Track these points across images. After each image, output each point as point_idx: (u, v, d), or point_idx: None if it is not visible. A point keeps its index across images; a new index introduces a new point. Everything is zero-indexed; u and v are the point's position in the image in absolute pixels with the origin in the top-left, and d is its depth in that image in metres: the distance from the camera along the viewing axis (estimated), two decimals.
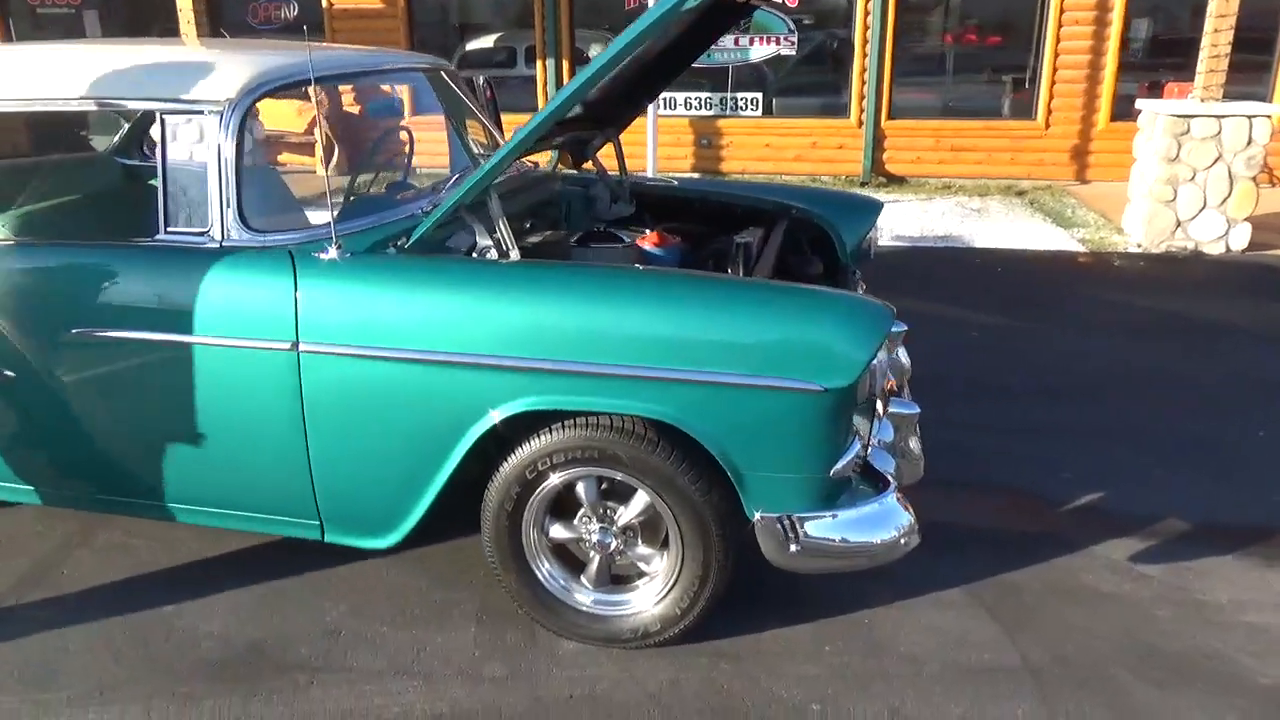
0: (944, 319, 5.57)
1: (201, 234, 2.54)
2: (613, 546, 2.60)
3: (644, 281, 2.42)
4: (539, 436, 2.48)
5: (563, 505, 2.63)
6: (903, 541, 2.46)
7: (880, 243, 7.14)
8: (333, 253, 2.52)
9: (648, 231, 3.27)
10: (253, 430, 2.56)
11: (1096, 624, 2.75)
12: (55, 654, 2.65)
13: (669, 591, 2.56)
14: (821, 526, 2.40)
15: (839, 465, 2.38)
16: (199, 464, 2.66)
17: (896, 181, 9.88)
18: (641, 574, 2.65)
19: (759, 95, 10.16)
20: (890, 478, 2.55)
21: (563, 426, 2.45)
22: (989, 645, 2.67)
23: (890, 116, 9.84)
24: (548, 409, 2.41)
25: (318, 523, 2.69)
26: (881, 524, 2.46)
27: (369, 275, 2.48)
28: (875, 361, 2.35)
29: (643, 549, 2.61)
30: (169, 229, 2.56)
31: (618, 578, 2.70)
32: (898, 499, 2.51)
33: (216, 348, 2.50)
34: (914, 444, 2.85)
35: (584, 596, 2.66)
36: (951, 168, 9.82)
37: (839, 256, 3.60)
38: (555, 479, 2.53)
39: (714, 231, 3.63)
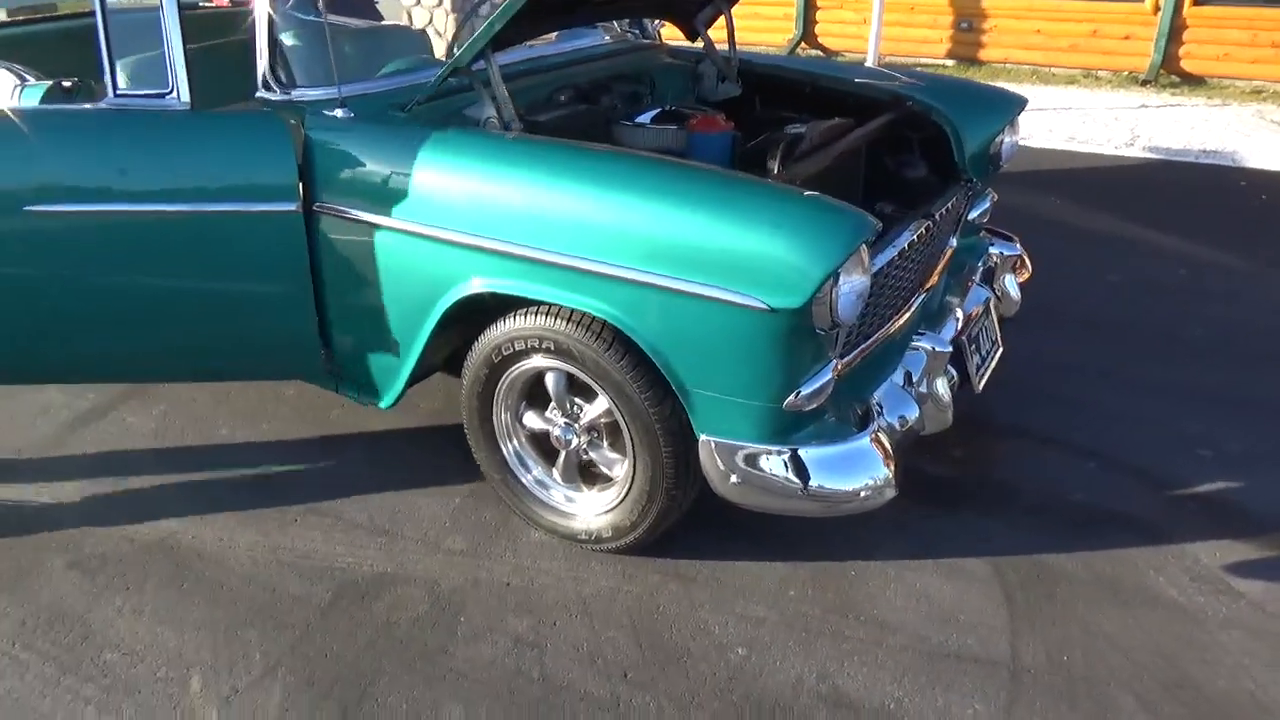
0: (1152, 251, 4.68)
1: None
2: (574, 444, 2.49)
3: (602, 167, 2.19)
4: (504, 321, 2.40)
5: (544, 394, 2.55)
6: (864, 495, 2.15)
7: (1131, 152, 6.15)
8: (338, 113, 2.52)
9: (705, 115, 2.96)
10: (260, 293, 2.62)
11: (1129, 635, 2.28)
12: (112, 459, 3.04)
13: (622, 500, 2.43)
14: (770, 461, 2.14)
15: (795, 396, 2.10)
16: (214, 329, 2.68)
17: (1192, 82, 8.29)
18: (608, 477, 2.54)
19: None
20: (877, 419, 2.22)
21: (524, 314, 2.35)
22: (979, 630, 2.30)
23: (1196, 1, 8.18)
24: (502, 293, 2.31)
25: (332, 378, 2.80)
26: (843, 470, 2.15)
27: (362, 139, 2.46)
28: (847, 284, 2.00)
29: (608, 452, 2.48)
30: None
31: (598, 477, 2.60)
32: (875, 446, 2.18)
33: (224, 214, 2.53)
34: (941, 387, 2.44)
35: (548, 488, 2.60)
36: (1268, 69, 8.06)
37: (955, 161, 3.08)
38: (523, 366, 2.45)
39: (781, 119, 3.25)
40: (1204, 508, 2.75)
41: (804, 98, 3.39)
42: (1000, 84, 8.82)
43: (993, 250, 3.10)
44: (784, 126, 2.85)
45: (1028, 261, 3.37)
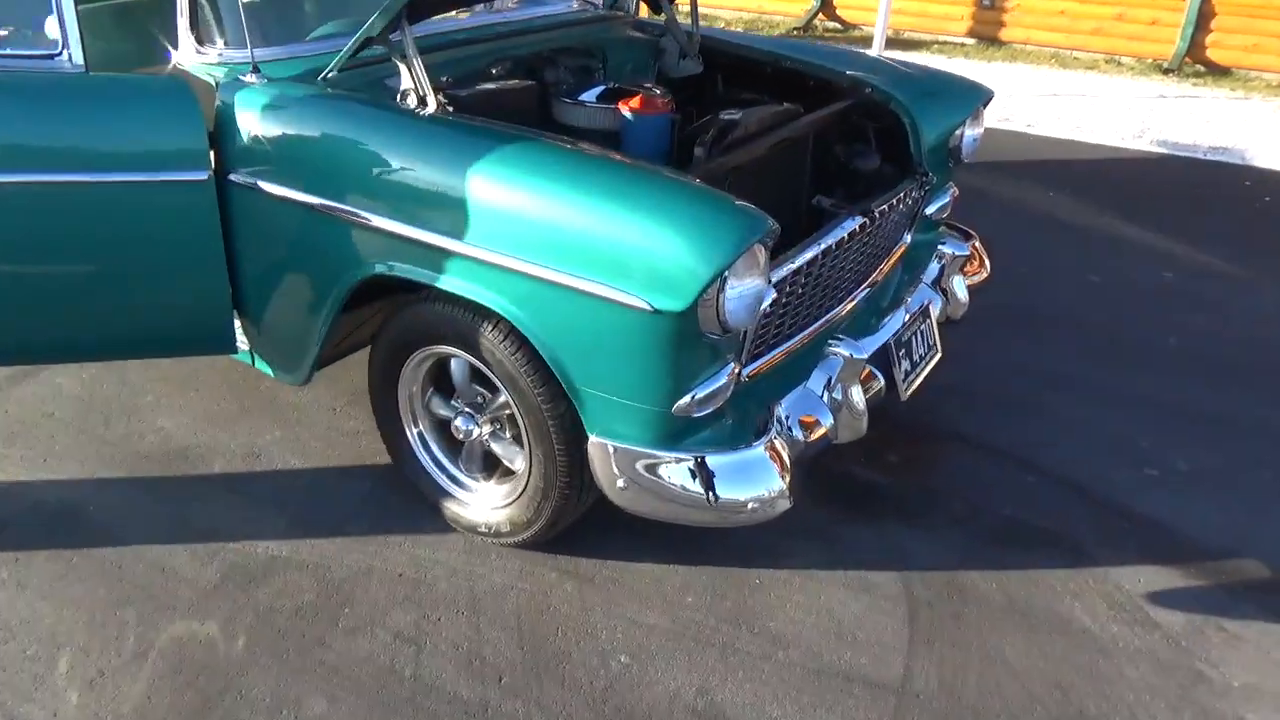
0: (1141, 251, 4.51)
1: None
2: (475, 434, 2.42)
3: (496, 151, 2.08)
4: (408, 305, 2.32)
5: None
6: (752, 507, 2.06)
7: (1137, 145, 5.92)
8: (250, 79, 2.43)
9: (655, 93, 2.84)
10: (171, 266, 2.50)
11: (1030, 663, 2.18)
12: (19, 425, 3.00)
13: (519, 495, 2.36)
14: (656, 466, 2.05)
15: (684, 401, 2.00)
16: (123, 306, 2.53)
17: (1217, 73, 7.98)
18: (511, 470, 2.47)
19: None
20: (774, 428, 2.12)
21: (424, 299, 2.27)
22: (875, 649, 2.22)
23: None
24: (399, 276, 2.22)
25: (248, 351, 2.74)
26: (734, 480, 2.06)
27: (271, 107, 2.36)
28: (738, 288, 1.89)
29: (511, 445, 2.40)
30: None
31: (503, 469, 2.53)
32: (770, 456, 2.09)
33: (131, 184, 2.38)
34: (856, 395, 2.33)
35: (451, 477, 2.53)
36: None
37: (911, 153, 2.94)
38: (427, 351, 2.37)
39: (740, 100, 3.12)
40: (1137, 530, 2.63)
41: (766, 78, 3.26)
42: (1018, 66, 8.64)
43: (943, 249, 2.96)
44: (730, 110, 2.72)
45: (985, 260, 3.23)
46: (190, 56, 2.57)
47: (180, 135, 2.35)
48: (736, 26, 9.97)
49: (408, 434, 2.54)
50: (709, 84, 3.42)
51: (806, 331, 2.47)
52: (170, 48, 2.62)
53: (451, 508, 2.52)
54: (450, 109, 2.39)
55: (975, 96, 3.04)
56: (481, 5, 2.99)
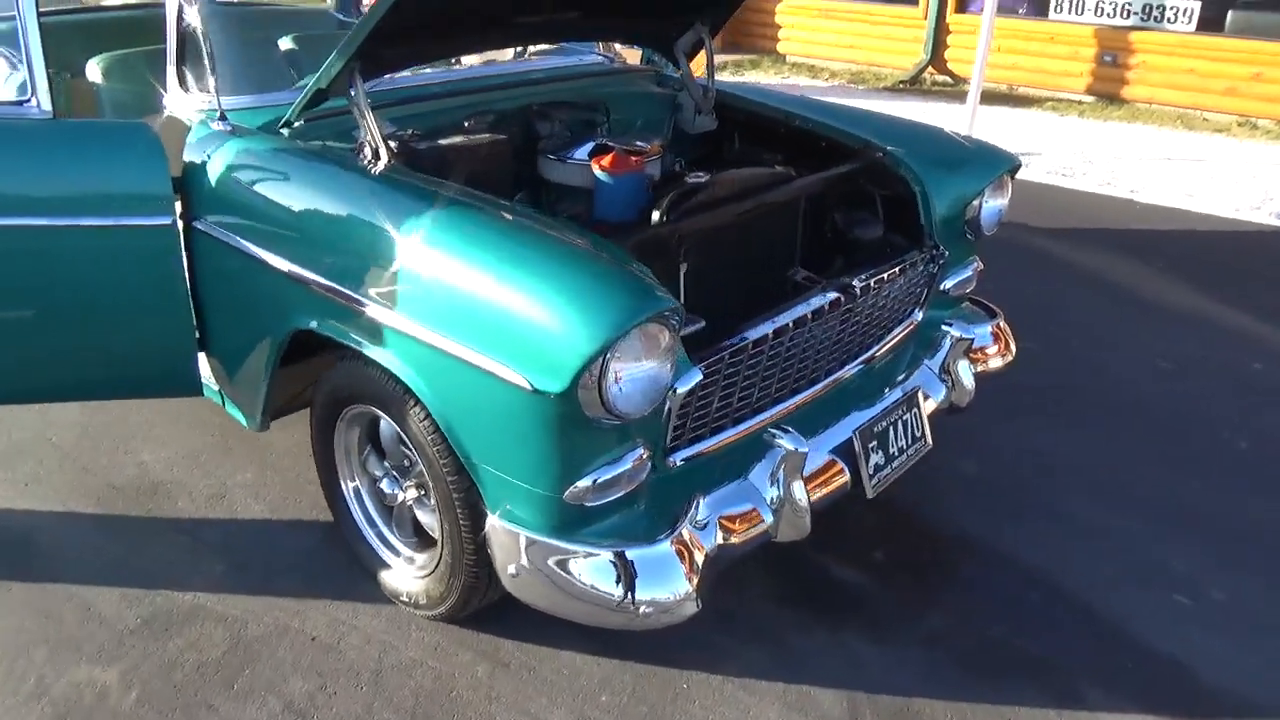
0: (1225, 335, 4.03)
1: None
2: (401, 498, 2.31)
3: (407, 211, 1.98)
4: (338, 362, 2.25)
5: None
6: (645, 610, 1.86)
7: (1255, 217, 5.40)
8: (217, 125, 2.44)
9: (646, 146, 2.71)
10: (137, 310, 2.48)
11: None
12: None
13: (435, 568, 2.23)
14: (545, 555, 1.89)
15: (578, 487, 1.84)
16: (89, 348, 2.51)
17: None
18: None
19: (1195, 5, 7.91)
20: (684, 522, 1.92)
21: (349, 356, 2.20)
22: None
23: None
24: (322, 334, 2.16)
25: (218, 392, 2.74)
26: (631, 579, 1.87)
27: (230, 155, 2.36)
28: (626, 370, 1.72)
29: (434, 513, 2.28)
30: None
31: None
32: (677, 554, 1.89)
33: (98, 228, 2.38)
34: (799, 491, 2.10)
35: (383, 537, 2.43)
36: None
37: (921, 223, 2.70)
38: (354, 409, 2.30)
39: (754, 159, 2.96)
40: (1145, 668, 2.27)
41: (780, 138, 3.09)
42: (1138, 126, 8.05)
43: (949, 329, 2.69)
44: (698, 173, 2.56)
45: (1010, 342, 2.92)
46: (175, 101, 2.63)
47: (144, 181, 2.37)
48: (843, 78, 9.76)
49: (343, 490, 2.47)
50: (726, 141, 3.28)
51: (768, 414, 2.26)
52: (164, 92, 2.69)
53: (380, 570, 2.42)
54: (405, 162, 2.35)
55: (998, 165, 2.77)
56: (475, 58, 2.95)
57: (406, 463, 2.30)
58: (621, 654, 2.26)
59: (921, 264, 2.66)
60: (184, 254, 2.44)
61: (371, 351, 2.03)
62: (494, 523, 1.95)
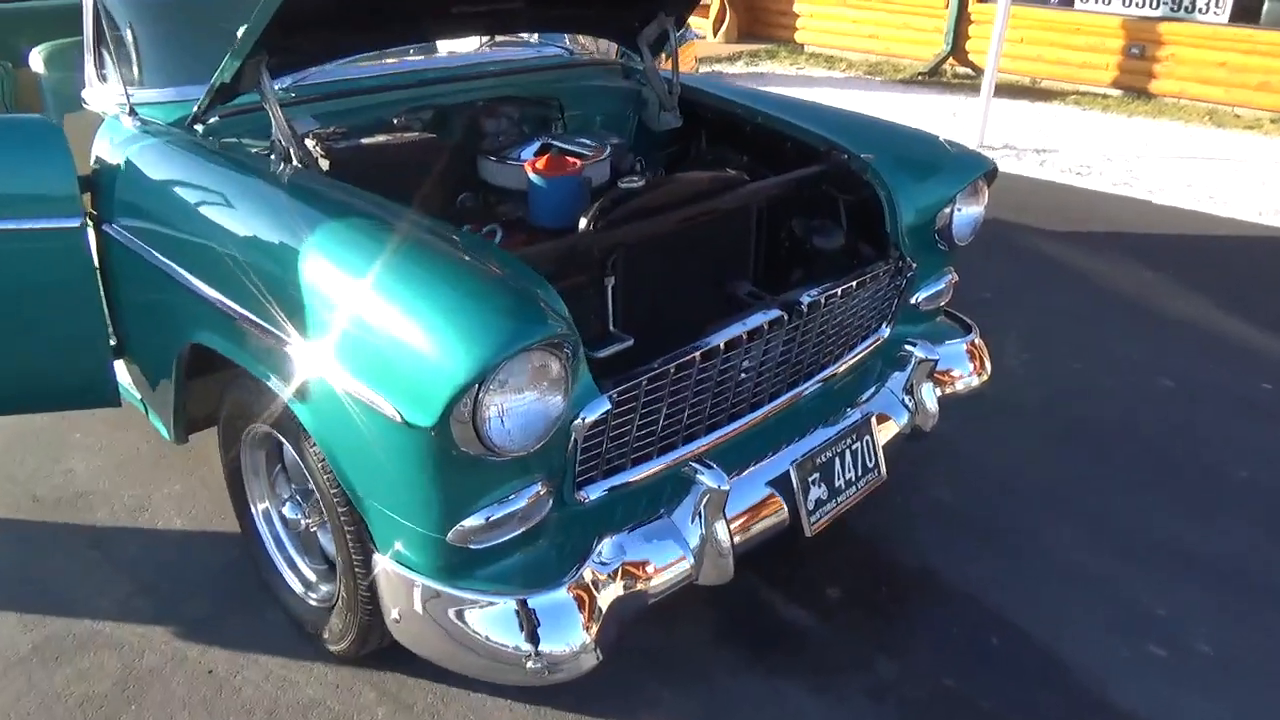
0: (1234, 353, 3.76)
1: None
2: (304, 524, 2.16)
3: (296, 221, 1.81)
4: (235, 378, 2.10)
5: None
6: (533, 665, 1.68)
7: (1275, 221, 5.11)
8: (126, 123, 2.30)
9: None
10: (48, 315, 2.32)
11: None
12: None
13: (336, 601, 2.08)
14: (433, 601, 1.72)
15: (463, 527, 1.67)
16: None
17: None
18: None
19: None
20: (585, 565, 1.75)
21: (240, 375, 2.04)
22: None
23: None
24: (211, 348, 2.01)
25: (140, 399, 2.60)
26: (521, 628, 1.70)
27: (134, 155, 2.21)
28: (508, 402, 1.54)
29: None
30: None
31: None
32: (575, 602, 1.72)
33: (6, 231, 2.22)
34: (720, 531, 1.91)
35: (290, 562, 2.28)
36: None
37: (885, 230, 2.49)
38: (253, 428, 2.15)
39: (719, 159, 2.79)
40: None
41: (746, 136, 2.89)
42: (1163, 123, 7.69)
43: (912, 349, 2.47)
44: (632, 178, 2.37)
45: (985, 360, 2.70)
46: (92, 94, 2.49)
47: (47, 181, 2.22)
48: (860, 69, 9.47)
49: (253, 511, 2.32)
50: (694, 140, 3.09)
51: (702, 443, 2.07)
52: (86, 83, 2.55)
53: (286, 598, 2.27)
54: (326, 163, 2.20)
55: (971, 169, 2.55)
56: (414, 49, 2.77)
57: (310, 486, 2.15)
58: (534, 698, 2.10)
59: (886, 276, 2.46)
60: (94, 258, 2.30)
61: (257, 372, 1.88)
62: (380, 563, 1.78)
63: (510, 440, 1.57)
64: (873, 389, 2.46)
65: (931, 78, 9.09)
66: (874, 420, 2.30)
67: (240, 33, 2.01)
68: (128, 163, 2.20)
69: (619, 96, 3.08)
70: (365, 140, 2.32)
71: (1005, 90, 8.26)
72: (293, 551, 2.28)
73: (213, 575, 2.45)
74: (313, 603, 2.20)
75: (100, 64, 2.46)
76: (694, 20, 11.24)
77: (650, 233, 2.13)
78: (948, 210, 2.51)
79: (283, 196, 1.94)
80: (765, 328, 2.07)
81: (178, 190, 2.07)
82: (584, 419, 1.75)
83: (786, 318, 2.12)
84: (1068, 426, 3.22)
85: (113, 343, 2.44)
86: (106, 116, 2.38)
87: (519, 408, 1.56)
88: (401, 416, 1.54)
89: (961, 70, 9.16)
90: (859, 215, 2.56)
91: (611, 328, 2.13)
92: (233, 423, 2.20)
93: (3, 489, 2.77)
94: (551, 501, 1.77)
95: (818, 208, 2.60)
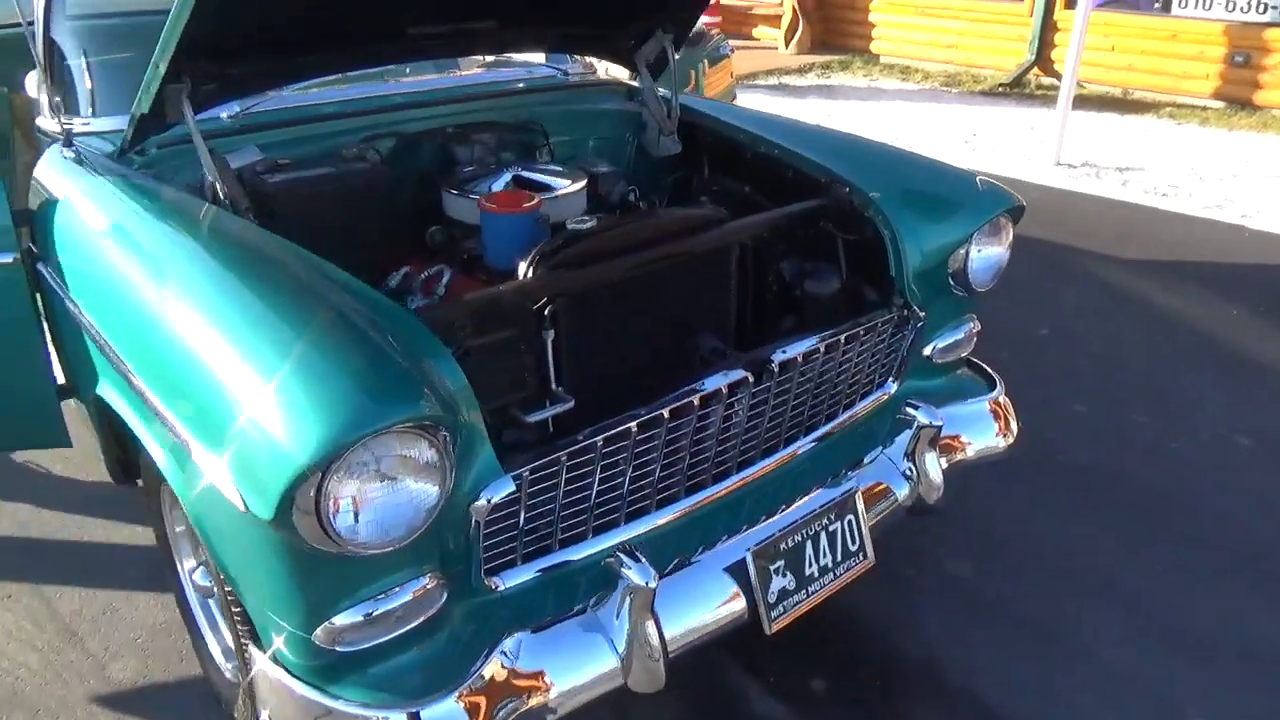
0: None
1: None
2: (216, 594, 1.98)
3: (187, 270, 1.63)
4: None
5: None
6: None
7: None
8: (64, 153, 2.17)
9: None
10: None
11: None
12: None
13: (244, 682, 1.89)
14: (302, 706, 1.51)
15: (336, 625, 1.46)
16: None
17: None
18: None
19: None
20: (477, 669, 1.51)
21: None
22: None
23: None
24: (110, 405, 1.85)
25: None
26: None
27: (66, 189, 2.07)
28: (362, 492, 1.32)
29: None
30: None
31: None
32: (466, 711, 1.48)
33: None
34: (650, 632, 1.64)
35: (214, 625, 2.11)
36: None
37: (890, 274, 2.19)
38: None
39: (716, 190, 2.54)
40: None
41: (747, 164, 2.62)
42: (1270, 137, 7.01)
43: (914, 412, 2.15)
44: (583, 218, 2.12)
45: (1010, 420, 2.37)
46: (43, 121, 2.39)
47: None
48: (937, 80, 9.02)
49: (178, 568, 2.16)
50: (698, 167, 2.83)
51: (648, 521, 1.82)
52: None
53: (207, 664, 2.10)
54: (254, 201, 2.02)
55: (990, 206, 2.22)
56: (379, 71, 2.58)
57: None
58: None
59: (887, 327, 2.16)
60: (33, 294, 2.19)
61: (138, 431, 1.70)
62: (257, 658, 1.58)
63: (367, 537, 1.35)
64: (875, 452, 2.17)
65: (1013, 89, 8.58)
66: (859, 496, 2.00)
67: (154, 54, 1.85)
68: (52, 197, 2.07)
69: (615, 120, 2.84)
70: (302, 173, 2.13)
71: (1092, 102, 7.73)
72: (218, 614, 2.11)
73: (150, 633, 2.30)
74: (228, 675, 2.02)
75: (52, 89, 2.35)
76: (765, 31, 10.96)
77: (596, 280, 1.89)
78: (963, 252, 2.20)
79: (180, 240, 1.76)
80: (724, 391, 1.81)
81: (83, 229, 1.93)
82: (487, 500, 1.52)
83: (752, 379, 1.84)
84: (1120, 493, 2.83)
85: (61, 382, 2.33)
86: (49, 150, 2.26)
87: (378, 499, 1.34)
88: (244, 503, 1.34)
89: (1046, 81, 8.62)
90: (862, 256, 2.26)
91: (555, 385, 1.90)
92: (150, 477, 2.04)
93: None
94: (446, 595, 1.55)
95: (815, 247, 2.32)
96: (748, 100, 8.13)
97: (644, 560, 1.63)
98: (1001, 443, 2.35)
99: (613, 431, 1.66)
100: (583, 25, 2.62)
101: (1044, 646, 2.26)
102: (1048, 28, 8.52)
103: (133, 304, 1.67)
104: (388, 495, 1.34)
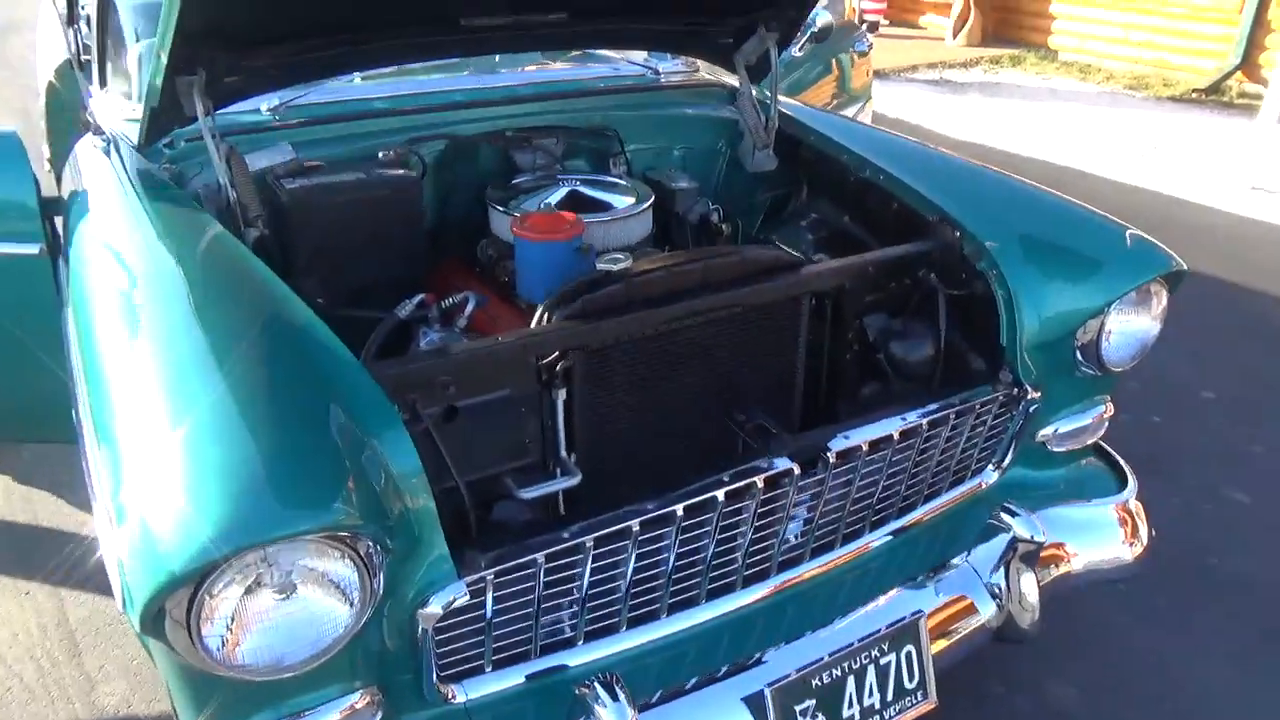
0: None
1: None
2: None
3: (140, 308, 1.44)
4: None
5: None
6: None
7: None
8: (96, 143, 2.04)
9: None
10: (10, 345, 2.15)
11: None
12: None
13: None
14: None
15: None
16: None
17: None
18: None
19: None
20: None
21: None
22: None
23: None
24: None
25: None
26: None
27: (89, 182, 1.93)
28: (251, 609, 1.07)
29: None
30: None
31: None
32: None
33: None
34: None
35: None
36: None
37: (1000, 342, 1.79)
38: None
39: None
40: None
41: (850, 189, 2.24)
42: None
43: (1010, 519, 1.74)
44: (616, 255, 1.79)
45: (1140, 526, 1.91)
46: (93, 103, 2.28)
47: (5, 203, 2.03)
48: (1121, 82, 8.11)
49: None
50: (795, 186, 2.46)
51: (652, 628, 1.51)
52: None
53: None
54: (268, 209, 1.83)
55: (1140, 270, 1.78)
56: (431, 68, 2.33)
57: None
58: None
59: (989, 408, 1.76)
60: (56, 285, 2.08)
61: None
62: None
63: (252, 662, 1.10)
64: (961, 557, 1.78)
65: (1210, 95, 7.61)
66: (923, 622, 1.62)
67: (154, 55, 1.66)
68: (73, 187, 1.95)
69: (706, 128, 2.50)
70: (321, 179, 1.90)
71: None
72: None
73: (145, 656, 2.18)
74: None
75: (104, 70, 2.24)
76: (933, 20, 10.20)
77: (618, 335, 1.58)
78: (1096, 322, 1.76)
79: (145, 261, 1.58)
80: (760, 486, 1.47)
81: (82, 228, 1.78)
82: (435, 605, 1.26)
83: (799, 471, 1.50)
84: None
85: None
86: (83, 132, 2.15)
87: (268, 619, 1.09)
88: (120, 599, 1.12)
89: (1250, 88, 7.59)
90: (969, 317, 1.86)
91: (564, 452, 1.61)
92: None
93: None
94: (381, 715, 1.29)
95: (910, 301, 1.93)
96: (899, 94, 7.53)
97: (622, 698, 1.32)
98: (1126, 554, 1.91)
99: (606, 531, 1.36)
100: (672, 20, 2.30)
101: None
102: (1259, 26, 7.48)
103: (84, 323, 1.49)
104: (278, 617, 1.09)
